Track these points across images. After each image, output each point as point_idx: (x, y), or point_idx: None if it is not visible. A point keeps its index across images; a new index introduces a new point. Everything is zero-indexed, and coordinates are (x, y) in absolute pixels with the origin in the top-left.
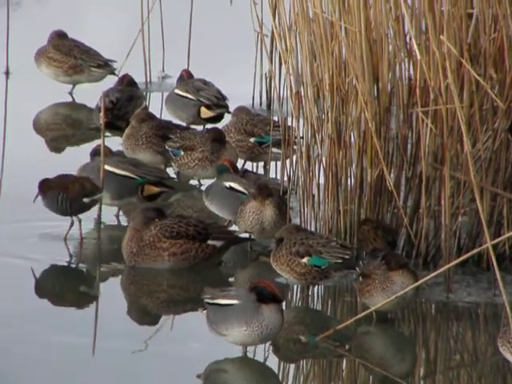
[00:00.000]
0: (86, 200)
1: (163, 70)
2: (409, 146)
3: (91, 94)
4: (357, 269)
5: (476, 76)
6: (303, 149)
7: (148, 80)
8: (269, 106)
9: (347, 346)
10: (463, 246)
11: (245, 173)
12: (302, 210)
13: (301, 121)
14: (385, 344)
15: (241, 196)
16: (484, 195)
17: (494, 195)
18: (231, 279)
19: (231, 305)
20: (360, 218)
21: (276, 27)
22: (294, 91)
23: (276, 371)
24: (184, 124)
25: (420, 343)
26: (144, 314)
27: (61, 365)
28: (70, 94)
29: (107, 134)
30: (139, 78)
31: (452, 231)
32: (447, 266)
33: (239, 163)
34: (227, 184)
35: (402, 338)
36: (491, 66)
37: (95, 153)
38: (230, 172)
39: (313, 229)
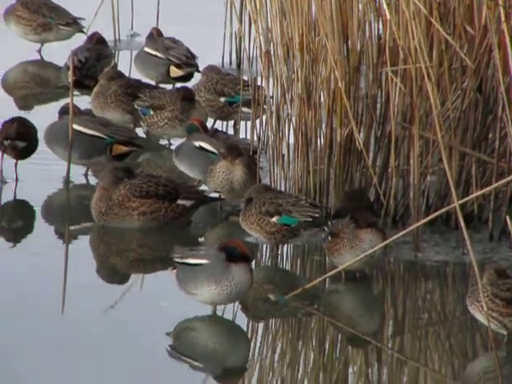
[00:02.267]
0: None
1: (132, 28)
2: (378, 106)
3: (60, 52)
4: (325, 228)
5: (445, 35)
6: (273, 108)
7: (117, 38)
8: (238, 65)
9: (316, 305)
10: (432, 205)
11: (215, 132)
12: (272, 170)
13: (270, 80)
14: (353, 303)
15: (211, 156)
16: (453, 155)
17: (463, 155)
18: (201, 239)
19: (201, 264)
20: (329, 177)
21: None
22: (263, 50)
23: (245, 330)
24: (153, 83)
25: (388, 302)
26: (113, 273)
27: (29, 323)
28: (39, 52)
29: (76, 92)
30: (108, 37)
31: (420, 190)
32: (415, 225)
33: (209, 123)
34: (197, 144)
35: (370, 297)
36: (460, 25)
37: (64, 111)
38: (200, 131)
39: (282, 189)
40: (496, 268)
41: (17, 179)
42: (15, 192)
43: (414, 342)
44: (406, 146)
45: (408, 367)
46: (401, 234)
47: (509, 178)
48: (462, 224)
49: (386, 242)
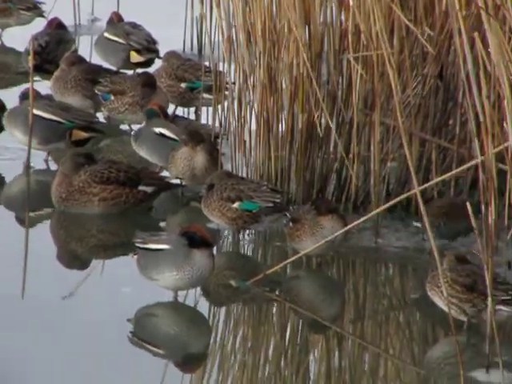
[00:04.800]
0: None
1: (92, 13)
2: (340, 92)
3: (20, 37)
4: (287, 213)
5: (406, 22)
6: (235, 94)
7: (77, 23)
8: (200, 50)
9: (277, 291)
10: (392, 192)
11: (174, 118)
12: (234, 156)
13: (232, 66)
14: (314, 288)
15: (171, 142)
16: (413, 141)
17: (423, 141)
18: (162, 224)
19: (162, 250)
20: (290, 163)
21: None
22: (225, 36)
23: (206, 316)
24: (114, 68)
25: (349, 287)
26: (74, 258)
27: None
28: None
29: (36, 77)
30: (68, 21)
31: (381, 177)
32: (376, 211)
33: (170, 108)
34: (157, 130)
35: (331, 283)
36: (422, 11)
37: (24, 96)
38: (160, 117)
39: (244, 175)
40: (456, 254)
41: None
42: None
43: (374, 328)
44: (367, 133)
45: (368, 353)
46: (361, 220)
47: (469, 164)
48: (423, 210)
49: (346, 228)
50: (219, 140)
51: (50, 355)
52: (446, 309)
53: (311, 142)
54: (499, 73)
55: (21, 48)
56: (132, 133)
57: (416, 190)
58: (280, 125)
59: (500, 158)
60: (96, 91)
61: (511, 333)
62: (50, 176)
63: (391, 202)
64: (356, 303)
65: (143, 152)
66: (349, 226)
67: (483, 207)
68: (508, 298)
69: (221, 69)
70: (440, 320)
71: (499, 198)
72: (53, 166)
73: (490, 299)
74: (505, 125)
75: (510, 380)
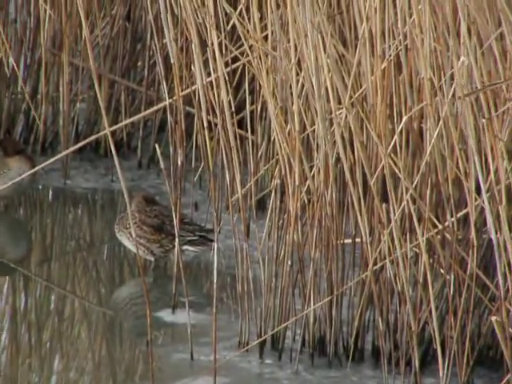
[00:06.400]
0: None
1: None
2: (28, 31)
3: None
4: None
5: None
6: None
7: None
8: None
9: None
10: (81, 133)
11: None
12: None
13: None
14: (0, 231)
15: None
16: (102, 82)
17: (112, 82)
18: None
19: None
20: None
21: None
22: None
23: None
24: None
25: (36, 229)
26: None
27: None
28: None
29: None
30: None
31: (70, 117)
32: (65, 153)
33: None
34: None
35: (18, 225)
36: None
37: None
38: None
39: None
40: (144, 195)
41: None
42: None
43: (61, 270)
44: (56, 73)
45: (55, 294)
46: (50, 161)
47: (157, 107)
48: (114, 151)
49: (34, 170)
50: None
51: None
52: (134, 250)
53: None
54: (186, 15)
55: None
56: None
57: (107, 130)
58: None
59: (188, 100)
60: None
61: (197, 273)
62: None
63: (81, 143)
64: (43, 245)
65: None
66: (37, 168)
67: (171, 149)
68: (194, 238)
69: None
70: (128, 261)
71: (187, 141)
72: None
73: (177, 239)
74: (193, 68)
75: (195, 319)
